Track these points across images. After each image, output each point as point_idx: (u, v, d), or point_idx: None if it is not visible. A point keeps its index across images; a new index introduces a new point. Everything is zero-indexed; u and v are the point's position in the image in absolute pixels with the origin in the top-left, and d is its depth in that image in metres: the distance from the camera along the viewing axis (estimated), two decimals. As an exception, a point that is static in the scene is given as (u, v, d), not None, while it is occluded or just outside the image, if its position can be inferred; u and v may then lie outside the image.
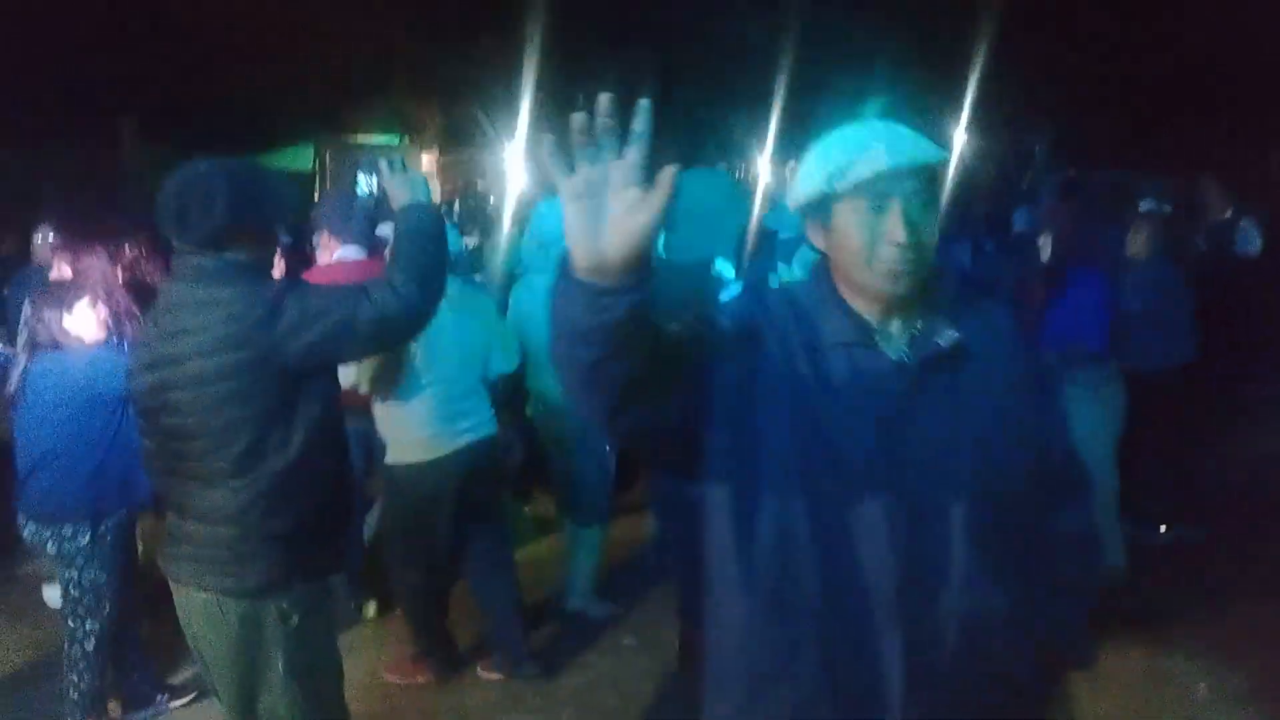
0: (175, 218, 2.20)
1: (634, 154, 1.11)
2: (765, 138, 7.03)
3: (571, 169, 1.12)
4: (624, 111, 1.12)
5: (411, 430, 3.43)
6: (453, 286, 2.77)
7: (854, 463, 1.36)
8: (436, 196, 14.14)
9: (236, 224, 2.21)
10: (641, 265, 1.14)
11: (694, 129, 12.15)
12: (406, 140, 16.19)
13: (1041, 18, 10.92)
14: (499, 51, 10.61)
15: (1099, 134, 11.61)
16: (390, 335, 2.35)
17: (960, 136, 9.34)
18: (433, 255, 2.30)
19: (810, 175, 1.42)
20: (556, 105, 11.84)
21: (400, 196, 2.38)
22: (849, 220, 1.39)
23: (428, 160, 15.47)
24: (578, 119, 1.10)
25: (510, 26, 9.28)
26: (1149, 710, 3.44)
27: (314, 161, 13.48)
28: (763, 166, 6.47)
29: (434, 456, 3.42)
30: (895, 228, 1.36)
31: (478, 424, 3.53)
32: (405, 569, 3.63)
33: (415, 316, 2.27)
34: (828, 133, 1.44)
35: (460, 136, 14.89)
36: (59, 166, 10.87)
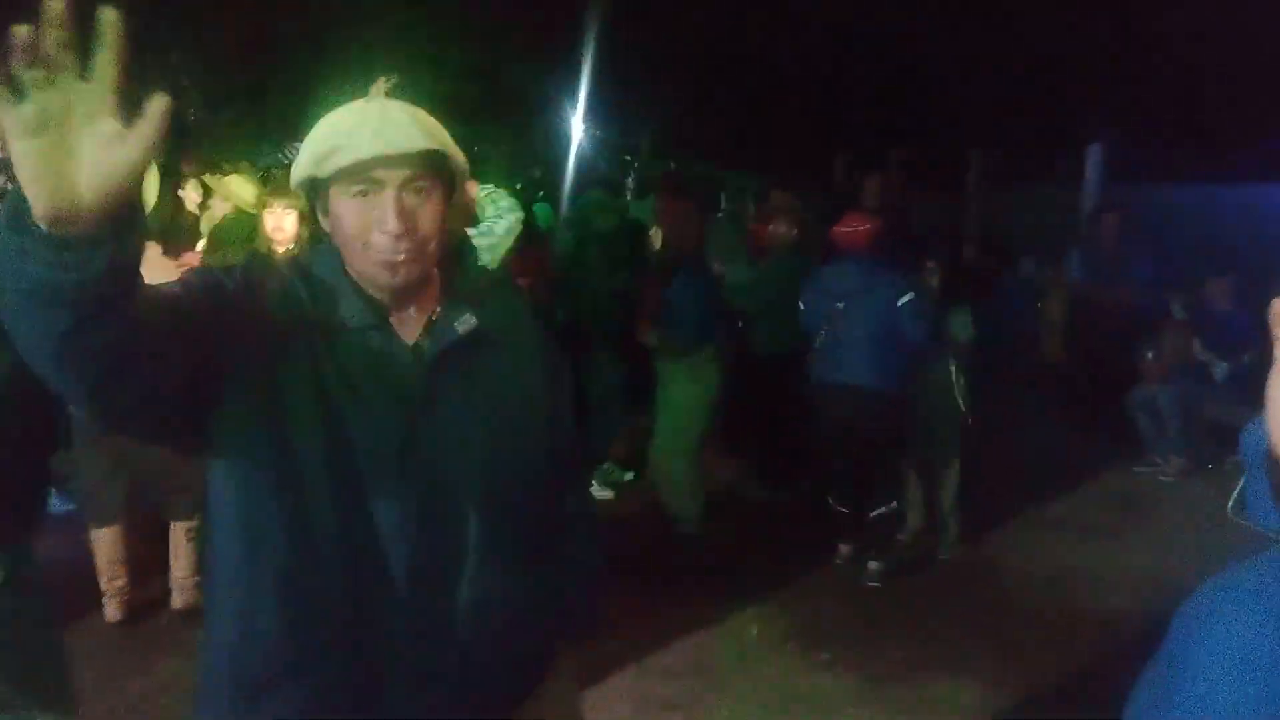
0: None
1: (103, 76, 0.91)
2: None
3: (19, 97, 0.88)
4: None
5: None
6: None
7: (368, 449, 1.31)
8: None
9: None
10: (124, 211, 0.95)
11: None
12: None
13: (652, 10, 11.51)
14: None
15: (699, 128, 12.50)
16: None
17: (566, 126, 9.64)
18: None
19: (301, 158, 1.35)
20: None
21: None
22: (340, 207, 1.33)
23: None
24: (22, 32, 0.85)
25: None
26: (706, 655, 3.76)
27: None
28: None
29: None
30: (386, 217, 1.30)
31: None
32: None
33: None
34: (326, 112, 1.36)
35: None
36: None
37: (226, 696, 1.37)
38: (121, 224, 0.95)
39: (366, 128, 1.29)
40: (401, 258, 1.31)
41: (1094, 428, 6.24)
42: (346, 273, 1.37)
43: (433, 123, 1.36)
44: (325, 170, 1.31)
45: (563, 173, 12.36)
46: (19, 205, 0.92)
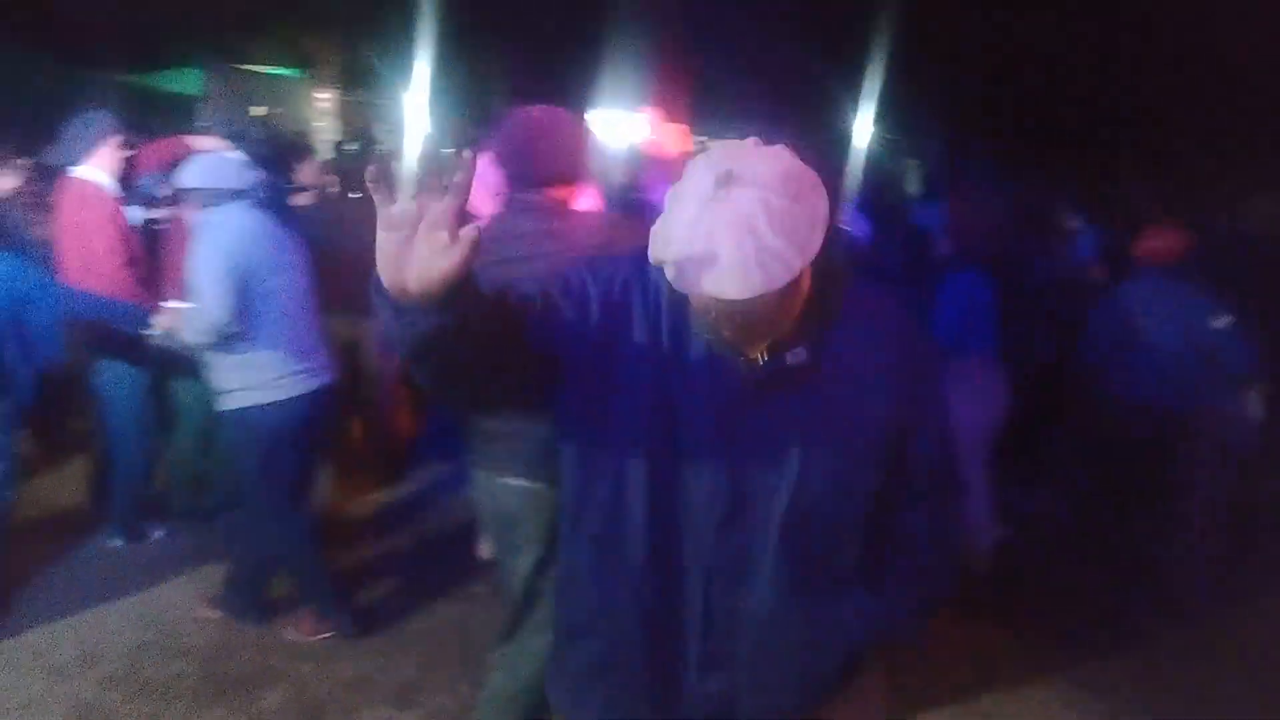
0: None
1: (452, 202, 1.14)
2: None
3: (393, 198, 1.15)
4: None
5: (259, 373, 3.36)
6: None
7: (684, 449, 1.41)
8: (335, 135, 13.70)
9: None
10: (445, 295, 1.18)
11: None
12: (305, 75, 15.58)
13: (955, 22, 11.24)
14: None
15: (993, 137, 12.04)
16: None
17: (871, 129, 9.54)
18: None
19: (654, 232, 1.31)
20: (457, 60, 11.58)
21: None
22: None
23: (325, 98, 14.95)
24: (426, 167, 1.16)
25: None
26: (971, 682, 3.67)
27: (201, 86, 12.80)
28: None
29: (285, 397, 3.37)
30: (723, 325, 1.33)
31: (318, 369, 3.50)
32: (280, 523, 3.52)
33: None
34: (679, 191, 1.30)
35: (363, 78, 14.43)
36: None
37: (555, 634, 1.64)
38: (443, 303, 1.18)
39: (707, 259, 1.22)
40: (753, 346, 1.37)
41: None
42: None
43: (777, 246, 1.22)
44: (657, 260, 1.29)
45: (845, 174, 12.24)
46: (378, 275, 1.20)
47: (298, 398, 3.38)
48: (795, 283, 1.26)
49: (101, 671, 3.34)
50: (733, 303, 1.23)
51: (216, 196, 3.39)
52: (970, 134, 11.99)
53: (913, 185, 10.75)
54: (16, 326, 3.62)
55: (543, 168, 2.43)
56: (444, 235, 1.14)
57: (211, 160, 3.53)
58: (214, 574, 3.90)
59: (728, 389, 1.40)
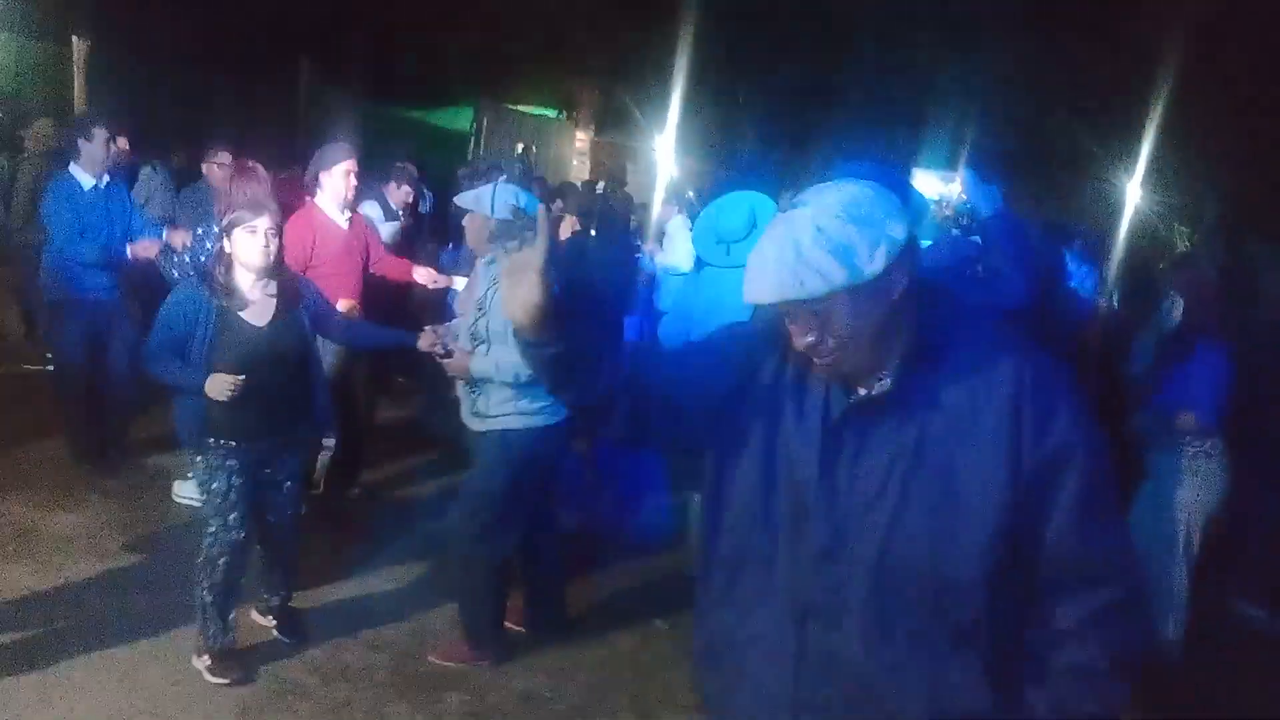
0: None
1: (536, 251, 1.37)
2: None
3: (513, 251, 1.42)
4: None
5: (531, 396, 3.44)
6: None
7: (798, 477, 1.44)
8: (587, 174, 14.44)
9: None
10: (546, 329, 1.40)
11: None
12: (563, 115, 16.53)
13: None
14: (660, 46, 10.71)
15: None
16: None
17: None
18: None
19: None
20: (705, 107, 11.91)
21: None
22: None
23: (581, 138, 15.79)
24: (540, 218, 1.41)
25: (673, 24, 9.36)
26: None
27: (472, 123, 13.89)
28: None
29: (552, 422, 3.48)
30: (795, 335, 1.41)
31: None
32: (501, 539, 3.60)
33: None
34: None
35: (615, 120, 15.13)
36: (237, 94, 11.52)
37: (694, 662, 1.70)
38: (550, 337, 1.41)
39: (753, 268, 1.37)
40: (825, 360, 1.40)
41: None
42: None
43: (816, 258, 1.32)
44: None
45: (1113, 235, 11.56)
46: None
47: (554, 425, 3.49)
48: (852, 300, 1.33)
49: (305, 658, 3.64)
50: (792, 317, 1.37)
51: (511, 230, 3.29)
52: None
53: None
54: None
55: None
56: (527, 278, 1.37)
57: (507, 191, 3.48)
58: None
59: (826, 420, 1.44)
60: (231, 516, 3.29)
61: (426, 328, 3.68)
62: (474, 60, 13.35)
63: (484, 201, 3.48)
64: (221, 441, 3.26)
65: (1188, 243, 11.83)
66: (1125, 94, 10.41)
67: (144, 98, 9.82)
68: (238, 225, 3.19)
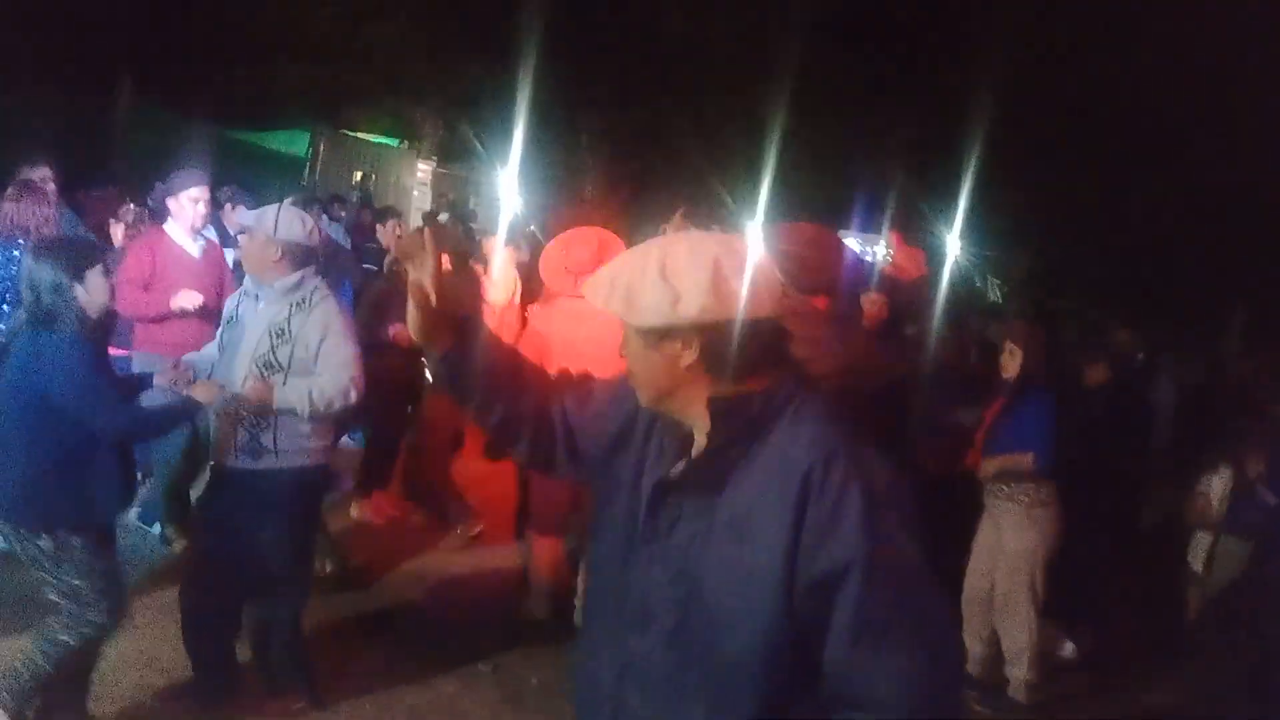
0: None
1: (417, 271, 1.51)
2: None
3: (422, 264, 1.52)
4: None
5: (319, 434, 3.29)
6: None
7: (633, 544, 1.46)
8: (429, 204, 14.16)
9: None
10: (432, 347, 1.57)
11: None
12: (404, 144, 16.23)
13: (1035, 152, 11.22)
14: (504, 75, 10.65)
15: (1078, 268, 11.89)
16: None
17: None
18: None
19: None
20: (550, 137, 11.93)
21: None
22: None
23: (423, 168, 15.52)
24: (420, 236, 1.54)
25: (515, 54, 9.33)
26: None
27: (308, 149, 13.43)
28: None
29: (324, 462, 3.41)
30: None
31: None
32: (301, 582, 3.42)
33: None
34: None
35: (459, 151, 14.96)
36: (54, 114, 10.72)
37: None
38: (439, 352, 1.57)
39: (603, 271, 1.44)
40: (649, 401, 1.47)
41: None
42: None
43: (655, 293, 1.35)
44: None
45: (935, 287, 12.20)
46: None
47: (325, 465, 3.38)
48: (657, 345, 1.38)
49: None
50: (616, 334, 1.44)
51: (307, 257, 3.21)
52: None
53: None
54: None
55: (809, 278, 2.53)
56: (419, 296, 1.52)
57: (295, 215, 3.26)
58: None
59: (654, 491, 1.44)
60: None
61: (168, 361, 3.36)
62: (311, 82, 12.92)
63: (266, 221, 3.18)
64: None
65: (998, 294, 12.65)
66: (943, 149, 11.10)
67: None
68: None
